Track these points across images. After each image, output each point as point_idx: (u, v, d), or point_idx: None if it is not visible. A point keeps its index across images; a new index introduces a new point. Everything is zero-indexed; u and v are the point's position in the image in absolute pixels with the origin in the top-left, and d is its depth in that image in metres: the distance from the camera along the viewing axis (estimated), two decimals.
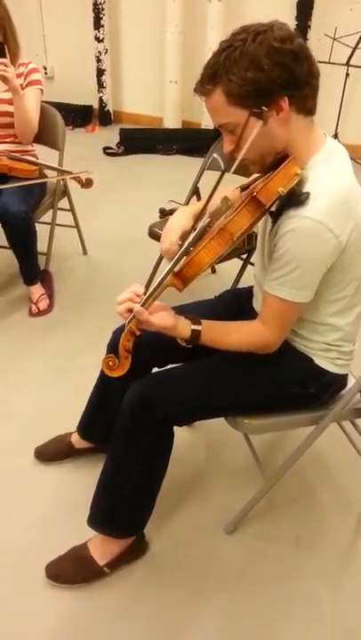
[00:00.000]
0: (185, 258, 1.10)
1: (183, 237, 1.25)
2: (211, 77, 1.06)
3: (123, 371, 1.16)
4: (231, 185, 1.33)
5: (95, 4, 4.74)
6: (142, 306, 1.11)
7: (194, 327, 1.19)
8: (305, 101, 1.08)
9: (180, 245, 1.21)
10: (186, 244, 1.12)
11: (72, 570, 1.40)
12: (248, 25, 1.05)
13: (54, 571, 1.40)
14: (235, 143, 1.09)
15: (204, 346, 1.22)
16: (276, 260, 1.13)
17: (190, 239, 1.12)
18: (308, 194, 1.05)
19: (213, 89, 1.07)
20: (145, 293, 1.14)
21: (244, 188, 1.27)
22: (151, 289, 1.12)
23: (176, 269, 1.09)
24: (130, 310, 1.14)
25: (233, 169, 1.10)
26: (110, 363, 1.16)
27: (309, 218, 1.04)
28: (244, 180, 1.35)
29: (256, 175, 1.25)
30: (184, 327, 1.18)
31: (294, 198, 1.06)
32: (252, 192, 1.07)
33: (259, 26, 1.04)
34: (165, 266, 1.13)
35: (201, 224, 1.13)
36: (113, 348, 1.48)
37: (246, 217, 1.07)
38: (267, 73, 1.01)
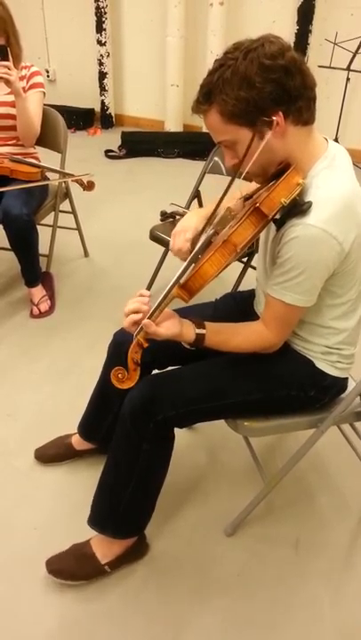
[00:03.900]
0: (190, 269, 1.11)
1: (195, 239, 1.27)
2: (205, 97, 1.08)
3: (132, 382, 1.17)
4: (235, 191, 1.34)
5: (97, 8, 4.77)
6: (149, 318, 1.12)
7: (198, 331, 1.20)
8: (301, 113, 1.08)
9: (192, 245, 1.22)
10: (191, 255, 1.13)
11: (73, 566, 1.40)
12: (240, 42, 1.06)
13: (55, 565, 1.40)
14: (236, 158, 1.12)
15: (207, 348, 1.23)
16: (279, 266, 1.14)
17: (195, 251, 1.13)
18: (310, 203, 1.06)
19: (209, 109, 1.09)
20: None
21: (247, 198, 1.28)
22: (157, 301, 1.12)
23: (182, 281, 1.10)
24: (135, 324, 1.15)
25: (242, 177, 1.12)
26: (120, 375, 1.17)
27: (313, 226, 1.05)
28: (249, 185, 1.36)
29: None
30: (188, 332, 1.20)
31: (297, 208, 1.07)
32: (254, 203, 1.08)
33: (250, 42, 1.05)
34: (169, 268, 1.14)
35: (205, 235, 1.14)
36: (114, 349, 1.49)
37: (250, 228, 1.08)
38: (259, 90, 1.03)
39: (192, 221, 1.31)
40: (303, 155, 1.12)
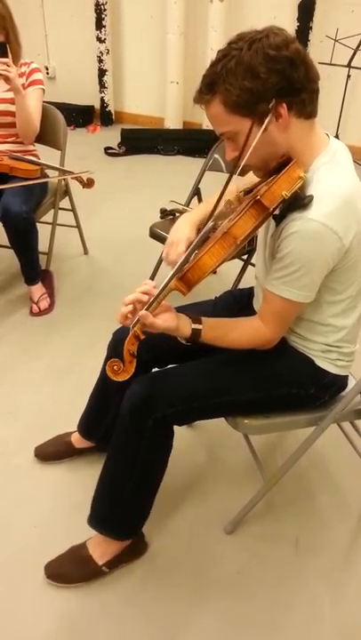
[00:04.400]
0: (189, 262, 1.10)
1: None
2: (209, 87, 1.07)
3: (128, 375, 1.17)
4: (232, 187, 1.33)
5: (97, 5, 4.74)
6: (147, 310, 1.12)
7: (194, 326, 1.20)
8: (304, 106, 1.08)
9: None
10: (190, 247, 1.12)
11: (71, 569, 1.40)
12: (244, 32, 1.05)
13: (53, 570, 1.40)
14: (237, 150, 1.10)
15: (204, 344, 1.22)
16: (279, 261, 1.13)
17: (194, 243, 1.12)
18: (311, 197, 1.06)
19: (212, 99, 1.08)
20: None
21: (247, 192, 1.27)
22: (155, 293, 1.12)
23: (180, 273, 1.10)
24: (128, 316, 1.15)
25: (238, 171, 1.11)
26: (115, 367, 1.16)
27: (314, 220, 1.05)
28: (245, 181, 1.35)
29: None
30: (185, 326, 1.19)
31: (298, 202, 1.06)
32: (255, 196, 1.07)
33: (255, 33, 1.04)
34: (168, 268, 1.13)
35: (205, 228, 1.13)
36: (113, 348, 1.48)
37: (250, 221, 1.07)
38: (263, 81, 1.02)
39: (184, 232, 1.30)
40: (305, 148, 1.12)
